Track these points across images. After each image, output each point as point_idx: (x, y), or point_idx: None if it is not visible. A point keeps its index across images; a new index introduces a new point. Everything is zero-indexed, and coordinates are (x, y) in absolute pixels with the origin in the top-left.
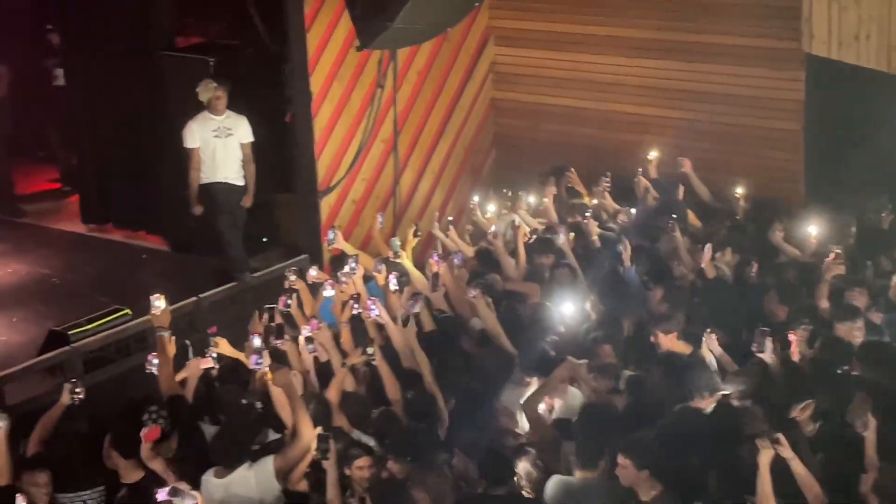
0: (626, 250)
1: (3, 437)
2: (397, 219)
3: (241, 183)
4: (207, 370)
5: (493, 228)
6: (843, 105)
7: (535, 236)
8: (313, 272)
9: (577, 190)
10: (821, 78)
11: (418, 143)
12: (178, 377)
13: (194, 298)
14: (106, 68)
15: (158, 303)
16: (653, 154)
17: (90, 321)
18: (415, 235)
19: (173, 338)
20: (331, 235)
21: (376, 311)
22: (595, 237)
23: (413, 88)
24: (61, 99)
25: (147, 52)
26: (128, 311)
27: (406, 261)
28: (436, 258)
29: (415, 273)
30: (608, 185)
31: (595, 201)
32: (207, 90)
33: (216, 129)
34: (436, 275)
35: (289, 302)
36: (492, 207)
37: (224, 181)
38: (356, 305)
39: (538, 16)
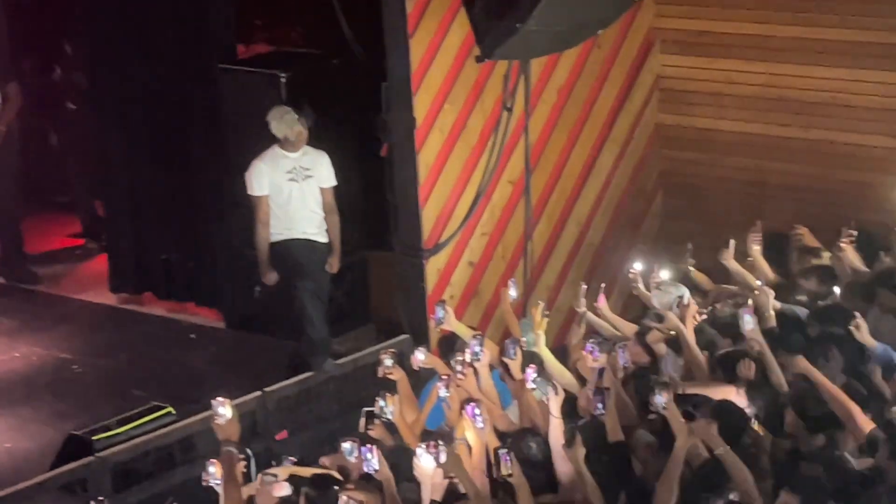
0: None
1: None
2: (529, 288)
3: (323, 239)
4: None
5: (658, 299)
6: None
7: (708, 315)
8: (420, 356)
9: (809, 247)
10: None
11: (558, 185)
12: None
13: (258, 393)
14: (143, 88)
15: (223, 409)
16: None
17: (121, 423)
18: (543, 315)
19: (242, 457)
20: (439, 312)
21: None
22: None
23: (551, 112)
24: (85, 128)
25: (199, 66)
26: (170, 409)
27: (544, 349)
28: (591, 349)
29: (556, 367)
30: (851, 238)
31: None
32: (286, 124)
33: (291, 171)
34: (601, 371)
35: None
36: (665, 274)
37: (303, 237)
38: (476, 414)
39: (721, 13)
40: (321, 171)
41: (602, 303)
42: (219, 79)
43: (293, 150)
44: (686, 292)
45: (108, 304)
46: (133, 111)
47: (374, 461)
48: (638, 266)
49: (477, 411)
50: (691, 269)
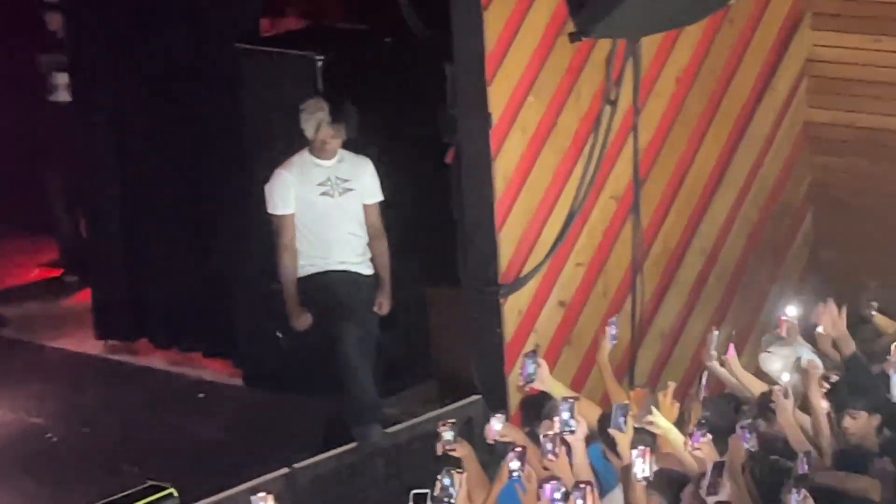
0: None
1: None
2: (638, 335)
3: (368, 271)
4: None
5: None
6: None
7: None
8: (497, 425)
9: None
10: None
11: (676, 201)
12: None
13: (285, 470)
14: (142, 76)
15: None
16: None
17: None
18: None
19: None
20: (529, 367)
21: None
22: None
23: (668, 106)
24: (66, 128)
25: (212, 47)
26: (172, 491)
27: (660, 417)
28: (696, 436)
29: (676, 442)
30: None
31: None
32: (316, 121)
33: (324, 183)
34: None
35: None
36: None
37: (342, 268)
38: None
39: None
40: (364, 182)
41: (732, 355)
42: (237, 63)
43: (327, 157)
44: (805, 352)
45: (92, 354)
46: (128, 106)
47: None
48: (791, 310)
49: (557, 494)
50: (874, 312)
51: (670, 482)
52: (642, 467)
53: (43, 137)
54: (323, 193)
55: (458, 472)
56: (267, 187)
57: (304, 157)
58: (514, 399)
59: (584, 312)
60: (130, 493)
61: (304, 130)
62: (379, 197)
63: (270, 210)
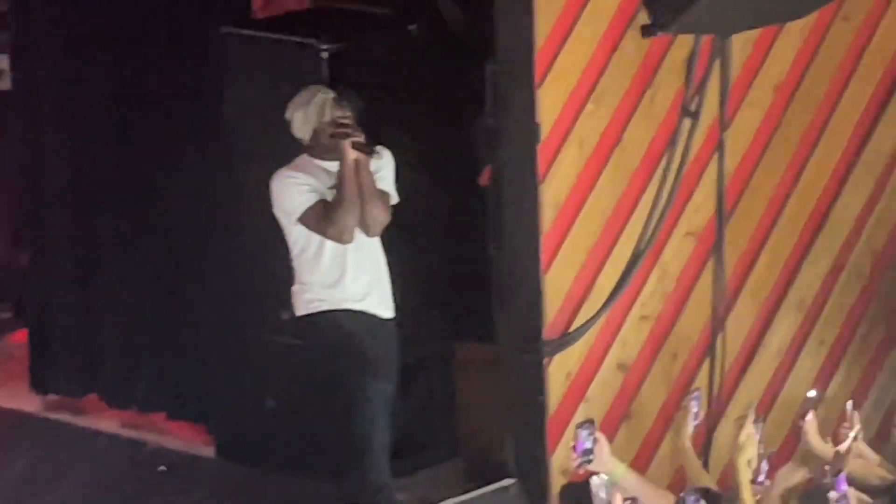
0: None
1: None
2: (718, 409)
3: (389, 314)
4: None
5: None
6: None
7: None
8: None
9: None
10: None
11: (769, 240)
12: None
13: None
14: (102, 65)
15: None
16: None
17: None
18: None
19: None
20: (586, 441)
21: None
22: None
23: (764, 120)
24: (4, 122)
25: (193, 30)
26: None
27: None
28: None
29: None
30: None
31: None
32: (315, 114)
33: (333, 189)
34: None
35: None
36: None
37: (363, 309)
38: None
39: None
40: (383, 175)
41: (810, 419)
42: (223, 50)
43: (331, 157)
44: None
45: (27, 412)
46: (84, 103)
47: None
48: None
49: None
50: None
51: None
52: None
53: None
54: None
55: None
56: (276, 192)
57: (304, 161)
58: (556, 485)
59: (649, 379)
60: None
61: (295, 129)
62: (395, 197)
63: (291, 215)
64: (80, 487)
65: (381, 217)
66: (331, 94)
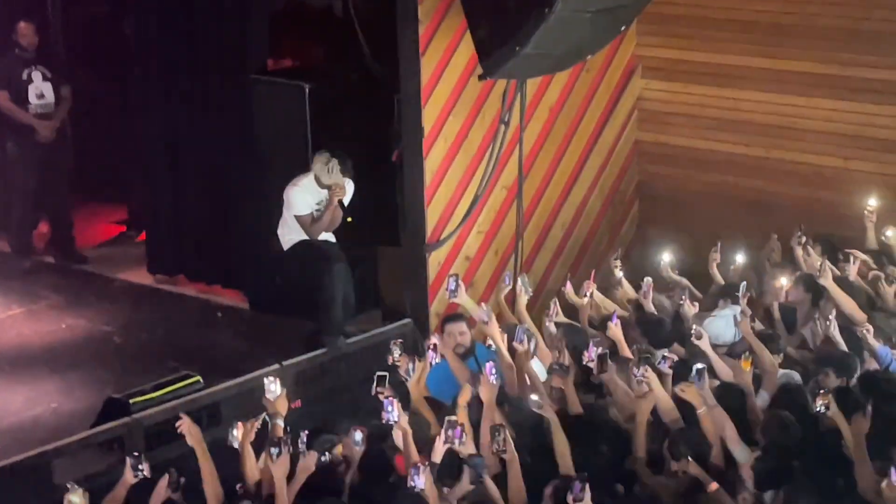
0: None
1: None
2: (517, 278)
3: (334, 240)
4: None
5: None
6: None
7: None
8: (397, 352)
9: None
10: None
11: (546, 191)
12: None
13: (276, 366)
14: (186, 92)
15: (274, 386)
16: (870, 204)
17: (155, 388)
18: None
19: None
20: (452, 284)
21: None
22: None
23: (543, 126)
24: (133, 128)
25: (235, 75)
26: (199, 378)
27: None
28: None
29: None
30: (800, 241)
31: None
32: (330, 175)
33: (319, 203)
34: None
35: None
36: (667, 258)
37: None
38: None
39: (695, 44)
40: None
41: (591, 287)
42: (252, 87)
43: (323, 187)
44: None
45: (145, 284)
46: (177, 114)
47: (394, 413)
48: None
49: (494, 370)
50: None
51: None
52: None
53: (116, 136)
54: (317, 209)
55: (399, 343)
56: (292, 196)
57: (310, 181)
58: (433, 323)
59: (482, 265)
60: (170, 378)
61: (316, 172)
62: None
63: (295, 212)
64: (177, 325)
65: (333, 228)
66: (336, 160)
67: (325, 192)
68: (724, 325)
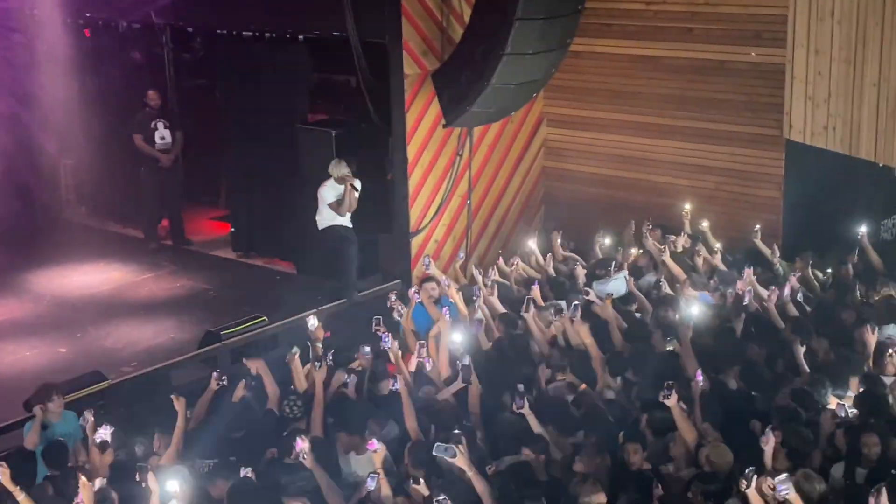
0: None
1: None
2: (468, 257)
3: (351, 225)
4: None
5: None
6: (813, 178)
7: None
8: (393, 298)
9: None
10: (797, 158)
11: (487, 197)
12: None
13: (314, 311)
14: (254, 135)
15: (313, 320)
16: (686, 206)
17: (237, 324)
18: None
19: (320, 346)
20: (426, 261)
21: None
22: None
23: (484, 157)
24: (226, 158)
25: (287, 125)
26: (264, 318)
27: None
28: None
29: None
30: (649, 227)
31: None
32: (342, 169)
33: (338, 195)
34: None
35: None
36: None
37: (346, 224)
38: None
39: (582, 105)
40: (357, 190)
41: (516, 260)
42: (297, 132)
43: (341, 184)
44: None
45: (230, 258)
46: (250, 149)
47: (388, 342)
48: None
49: (449, 313)
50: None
51: None
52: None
53: (213, 163)
54: (338, 197)
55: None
56: (324, 193)
57: (331, 182)
58: (414, 283)
59: (445, 246)
60: (245, 318)
61: (331, 170)
62: (356, 202)
63: (327, 201)
64: (251, 285)
65: (353, 208)
66: (344, 162)
67: (342, 187)
68: (620, 283)
